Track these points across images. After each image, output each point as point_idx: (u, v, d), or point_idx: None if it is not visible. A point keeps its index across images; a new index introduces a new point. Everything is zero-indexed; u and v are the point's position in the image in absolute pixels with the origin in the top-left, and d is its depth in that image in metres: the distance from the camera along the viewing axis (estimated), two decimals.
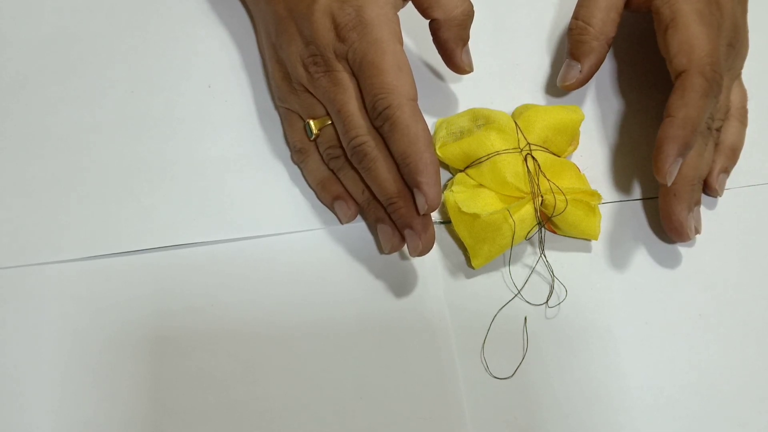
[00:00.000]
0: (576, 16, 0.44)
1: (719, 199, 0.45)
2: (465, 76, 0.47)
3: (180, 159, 0.44)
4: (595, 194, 0.42)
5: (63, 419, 0.38)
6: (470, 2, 0.42)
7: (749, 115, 0.45)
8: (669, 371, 0.40)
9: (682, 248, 0.43)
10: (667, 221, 0.42)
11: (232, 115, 0.46)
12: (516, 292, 0.42)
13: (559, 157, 0.43)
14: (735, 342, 0.41)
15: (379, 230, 0.40)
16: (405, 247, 0.40)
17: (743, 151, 0.45)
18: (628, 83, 0.49)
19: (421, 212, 0.38)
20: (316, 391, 0.39)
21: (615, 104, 0.48)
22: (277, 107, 0.46)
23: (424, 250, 0.38)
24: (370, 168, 0.39)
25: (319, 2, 0.39)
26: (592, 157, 0.46)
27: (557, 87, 0.46)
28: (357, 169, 0.40)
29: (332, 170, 0.43)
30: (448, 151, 0.43)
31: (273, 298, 0.41)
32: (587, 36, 0.44)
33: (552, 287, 0.42)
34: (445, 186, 0.44)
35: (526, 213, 0.41)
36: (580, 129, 0.45)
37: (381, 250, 0.42)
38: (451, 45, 0.43)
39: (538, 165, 0.42)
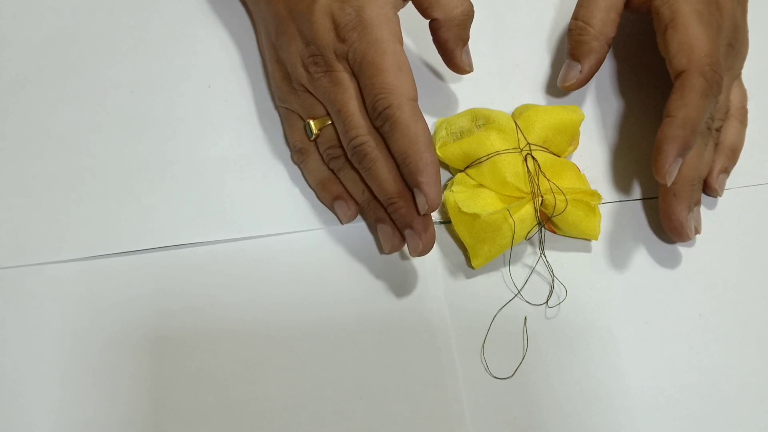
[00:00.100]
0: (576, 16, 0.44)
1: (719, 199, 0.45)
2: (465, 76, 0.47)
3: (180, 159, 0.44)
4: (595, 194, 0.42)
5: (63, 419, 0.38)
6: (470, 2, 0.42)
7: (749, 115, 0.45)
8: (669, 371, 0.40)
9: (682, 248, 0.43)
10: (667, 221, 0.42)
11: (232, 115, 0.46)
12: (516, 292, 0.42)
13: (559, 157, 0.43)
14: (735, 342, 0.41)
15: (379, 230, 0.40)
16: (405, 247, 0.40)
17: (743, 151, 0.45)
18: (628, 83, 0.49)
19: (422, 212, 0.38)
20: (316, 391, 0.39)
21: (615, 104, 0.48)
22: (277, 107, 0.46)
23: (425, 250, 0.38)
24: (371, 168, 0.39)
25: (319, 2, 0.39)
26: (592, 157, 0.46)
27: (557, 87, 0.46)
28: (357, 169, 0.40)
29: (332, 170, 0.43)
30: (448, 151, 0.43)
31: (273, 298, 0.41)
32: (587, 36, 0.44)
33: (552, 287, 0.42)
34: (445, 186, 0.44)
35: (526, 213, 0.41)
36: (580, 129, 0.45)
37: (381, 250, 0.42)
38: (451, 45, 0.43)
39: (538, 165, 0.42)
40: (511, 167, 0.41)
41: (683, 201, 0.41)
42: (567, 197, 0.41)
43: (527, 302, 0.42)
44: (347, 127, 0.39)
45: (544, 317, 0.41)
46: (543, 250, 0.43)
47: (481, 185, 0.42)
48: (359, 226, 0.43)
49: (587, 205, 0.41)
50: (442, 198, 0.42)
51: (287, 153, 0.45)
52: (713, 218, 0.44)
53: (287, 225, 0.43)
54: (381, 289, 0.42)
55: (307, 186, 0.44)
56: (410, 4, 0.42)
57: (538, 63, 0.49)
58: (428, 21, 0.43)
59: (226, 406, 0.39)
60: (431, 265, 0.42)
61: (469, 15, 0.42)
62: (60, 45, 0.48)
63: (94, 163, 0.44)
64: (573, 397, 0.39)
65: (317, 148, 0.43)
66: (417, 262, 0.42)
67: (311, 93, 0.41)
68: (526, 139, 0.42)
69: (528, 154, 0.42)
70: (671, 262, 0.43)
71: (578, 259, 0.43)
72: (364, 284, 0.42)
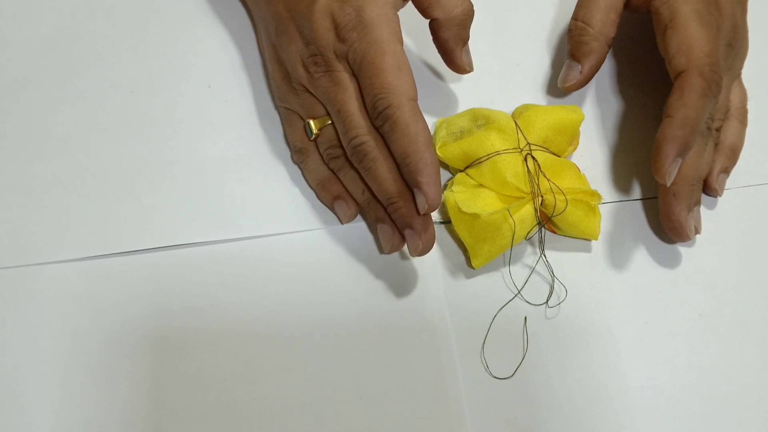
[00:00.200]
0: (575, 16, 0.44)
1: (719, 199, 0.45)
2: (465, 76, 0.47)
3: (180, 159, 0.44)
4: (595, 194, 0.42)
5: (63, 419, 0.38)
6: (470, 2, 0.42)
7: (749, 115, 0.45)
8: (669, 371, 0.40)
9: (682, 248, 0.43)
10: (667, 221, 0.42)
11: (232, 115, 0.46)
12: (516, 292, 0.42)
13: (559, 157, 0.43)
14: (735, 342, 0.41)
15: (379, 230, 0.40)
16: (405, 247, 0.40)
17: (743, 151, 0.45)
18: (628, 83, 0.49)
19: (422, 212, 0.38)
20: (316, 391, 0.39)
21: (615, 104, 0.48)
22: (277, 107, 0.46)
23: (424, 250, 0.38)
24: (370, 168, 0.39)
25: (319, 2, 0.39)
26: (592, 157, 0.46)
27: (557, 87, 0.46)
28: (357, 169, 0.40)
29: (332, 170, 0.43)
30: (448, 151, 0.43)
31: (273, 298, 0.41)
32: (587, 37, 0.44)
33: (552, 287, 0.42)
34: (445, 186, 0.44)
35: (526, 213, 0.41)
36: (580, 129, 0.45)
37: (381, 250, 0.42)
38: (451, 45, 0.43)
39: (538, 165, 0.42)
40: (511, 167, 0.41)
41: (683, 201, 0.41)
42: (567, 197, 0.41)
43: (527, 302, 0.42)
44: (347, 126, 0.39)
45: (544, 317, 0.41)
46: (543, 250, 0.43)
47: (481, 185, 0.42)
48: (359, 226, 0.43)
49: (587, 205, 0.41)
50: (442, 198, 0.42)
51: (287, 153, 0.45)
52: (713, 218, 0.44)
53: (287, 225, 0.43)
54: (381, 289, 0.42)
55: (307, 186, 0.44)
56: (410, 4, 0.42)
57: (538, 63, 0.49)
58: (428, 21, 0.43)
59: (226, 406, 0.39)
60: (431, 265, 0.42)
61: (469, 15, 0.42)
62: (60, 45, 0.48)
63: (94, 163, 0.44)
64: (573, 397, 0.39)
65: (317, 148, 0.43)
66: (417, 262, 0.42)
67: (311, 93, 0.41)
68: (526, 139, 0.42)
69: (528, 154, 0.42)
70: (671, 262, 0.43)
71: (578, 259, 0.43)
72: (364, 284, 0.42)
